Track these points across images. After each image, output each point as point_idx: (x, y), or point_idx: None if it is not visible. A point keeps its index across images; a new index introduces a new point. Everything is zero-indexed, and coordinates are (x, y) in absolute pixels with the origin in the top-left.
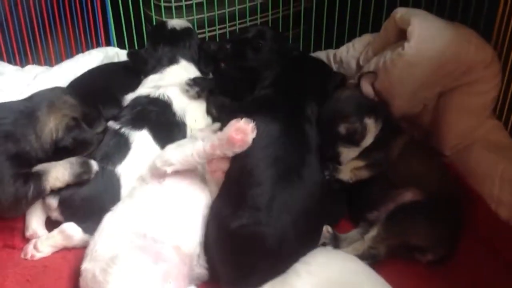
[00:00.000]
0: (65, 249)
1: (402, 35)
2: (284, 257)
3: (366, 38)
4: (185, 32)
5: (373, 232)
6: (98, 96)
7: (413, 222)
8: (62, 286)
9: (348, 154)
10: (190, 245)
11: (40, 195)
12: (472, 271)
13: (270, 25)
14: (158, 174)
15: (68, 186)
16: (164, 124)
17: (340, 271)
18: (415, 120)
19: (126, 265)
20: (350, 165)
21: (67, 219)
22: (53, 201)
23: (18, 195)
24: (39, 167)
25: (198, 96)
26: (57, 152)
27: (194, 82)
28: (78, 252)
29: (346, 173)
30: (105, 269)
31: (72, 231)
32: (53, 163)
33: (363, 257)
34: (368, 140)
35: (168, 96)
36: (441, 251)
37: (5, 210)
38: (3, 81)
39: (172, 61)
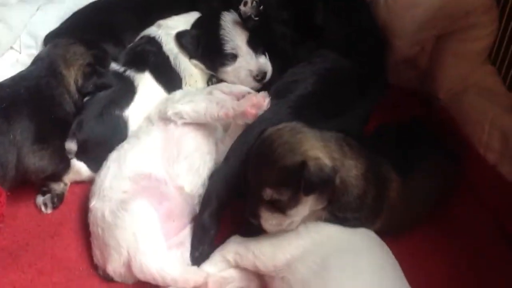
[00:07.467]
0: (74, 183)
1: None
2: None
3: None
4: None
5: None
6: (99, 32)
7: None
8: (73, 218)
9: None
10: (193, 186)
11: None
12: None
13: None
14: (166, 119)
15: (82, 131)
16: (162, 66)
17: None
18: (413, 62)
19: (135, 211)
20: None
21: (80, 159)
22: (72, 145)
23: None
24: None
25: None
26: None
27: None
28: (85, 186)
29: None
30: (115, 212)
31: (79, 167)
32: None
33: None
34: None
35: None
36: None
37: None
38: (6, 12)
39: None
